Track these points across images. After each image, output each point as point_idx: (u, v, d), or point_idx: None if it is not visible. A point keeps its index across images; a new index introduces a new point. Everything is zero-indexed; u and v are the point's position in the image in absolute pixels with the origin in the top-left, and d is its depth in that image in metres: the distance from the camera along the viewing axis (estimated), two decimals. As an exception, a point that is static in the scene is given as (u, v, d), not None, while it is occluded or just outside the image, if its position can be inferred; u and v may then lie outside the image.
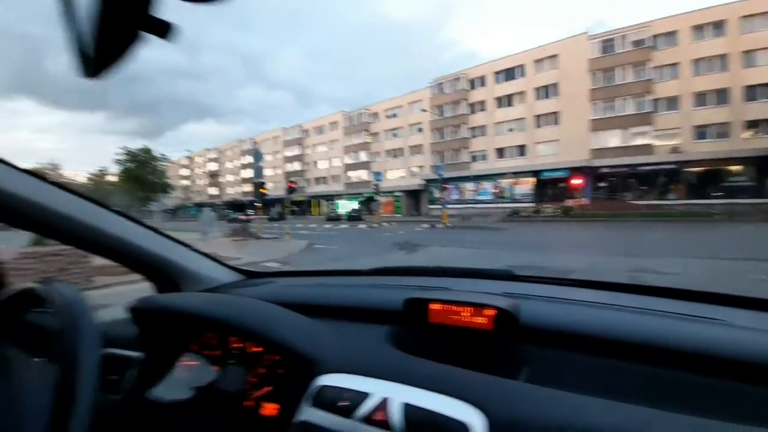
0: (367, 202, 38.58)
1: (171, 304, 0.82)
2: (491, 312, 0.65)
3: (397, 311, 0.74)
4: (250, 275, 1.21)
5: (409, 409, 0.52)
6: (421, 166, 37.45)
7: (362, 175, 41.42)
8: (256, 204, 52.97)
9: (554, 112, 29.97)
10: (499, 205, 30.37)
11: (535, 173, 29.89)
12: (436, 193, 33.98)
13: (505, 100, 32.63)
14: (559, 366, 0.60)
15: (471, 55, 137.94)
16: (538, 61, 30.73)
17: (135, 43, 0.30)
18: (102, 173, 54.83)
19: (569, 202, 26.27)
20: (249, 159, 55.71)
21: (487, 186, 32.76)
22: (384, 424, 0.51)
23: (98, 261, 8.28)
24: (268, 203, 50.75)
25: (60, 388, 0.43)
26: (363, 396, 0.55)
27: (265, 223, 35.71)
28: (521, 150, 31.75)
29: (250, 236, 15.86)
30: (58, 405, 0.41)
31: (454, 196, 34.57)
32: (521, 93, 31.69)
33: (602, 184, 27.50)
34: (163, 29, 0.29)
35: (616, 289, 0.90)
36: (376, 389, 0.55)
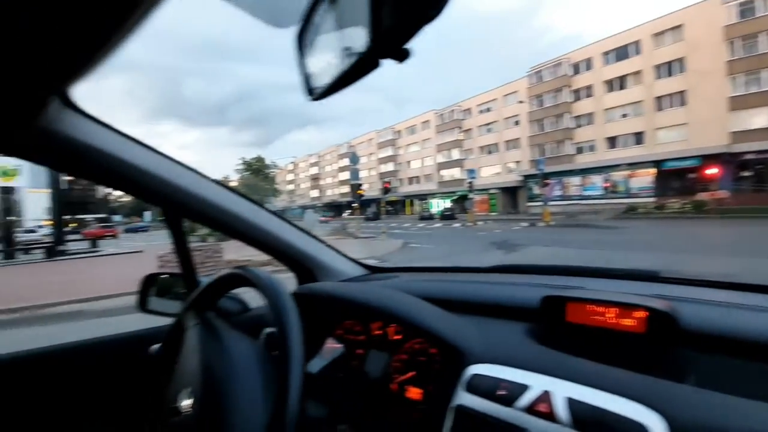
0: (461, 201, 37.70)
1: (330, 290, 0.93)
2: (642, 314, 0.61)
3: (531, 309, 0.73)
4: (374, 270, 1.27)
5: (575, 405, 0.51)
6: (518, 162, 35.40)
7: (455, 173, 40.66)
8: (353, 205, 55.49)
9: (680, 92, 25.83)
10: (611, 200, 27.24)
11: (656, 163, 26.11)
12: (536, 190, 31.82)
13: (617, 83, 29.11)
14: (726, 373, 0.56)
15: (570, 39, 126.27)
16: (658, 34, 26.80)
17: (372, 70, 0.32)
18: (226, 180, 62.76)
19: (702, 196, 22.37)
20: (345, 162, 58.67)
21: (596, 180, 29.59)
22: (549, 416, 0.51)
23: (228, 256, 9.47)
24: (364, 203, 52.77)
25: (279, 357, 0.46)
26: (522, 387, 0.56)
27: (361, 223, 37.40)
28: (638, 138, 28.02)
29: (349, 235, 16.62)
30: (280, 372, 0.44)
31: (557, 192, 31.97)
32: (637, 73, 27.95)
33: (746, 174, 22.87)
34: (403, 55, 0.30)
35: None
36: (534, 382, 0.56)
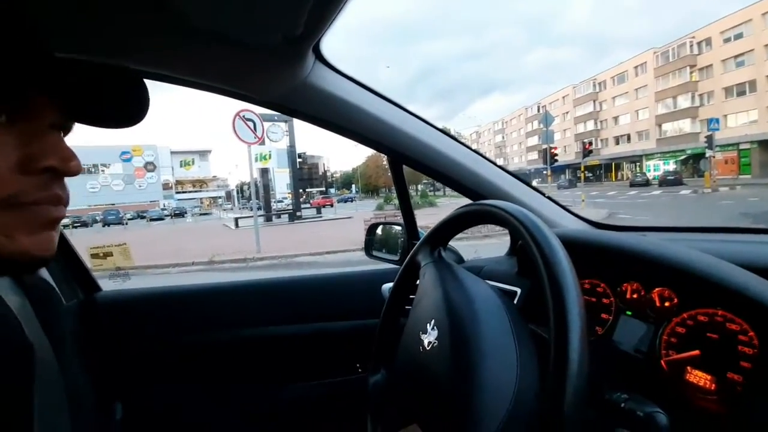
0: (691, 161, 29.66)
1: (592, 238, 0.79)
2: None
3: None
4: (598, 226, 1.11)
5: None
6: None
7: (683, 126, 32.04)
8: (544, 172, 51.39)
9: None
10: None
11: None
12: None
13: None
14: None
15: None
16: None
17: None
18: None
19: None
20: (533, 126, 54.03)
21: None
22: None
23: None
24: (557, 170, 47.84)
25: (552, 310, 0.37)
26: None
27: (554, 192, 34.10)
28: None
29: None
30: (557, 334, 0.35)
31: None
32: None
33: None
34: None
35: None
36: None
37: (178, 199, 51.23)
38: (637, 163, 37.03)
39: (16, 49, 0.30)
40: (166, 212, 37.23)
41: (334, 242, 9.86)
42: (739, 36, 28.55)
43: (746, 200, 13.15)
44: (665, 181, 27.28)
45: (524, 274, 0.84)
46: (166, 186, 53.41)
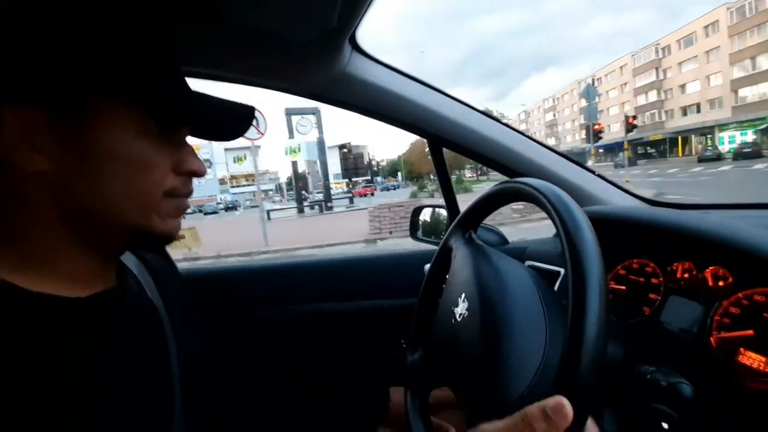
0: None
1: (630, 215, 0.80)
2: None
3: None
4: (653, 204, 1.07)
5: None
6: None
7: (766, 89, 28.06)
8: (591, 150, 48.09)
9: None
10: None
11: None
12: None
13: None
14: None
15: None
16: None
17: None
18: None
19: None
20: (585, 103, 50.27)
21: None
22: None
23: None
24: (611, 148, 44.18)
25: (572, 284, 0.37)
26: None
27: (610, 171, 31.56)
28: None
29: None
30: (575, 302, 0.36)
31: None
32: None
33: None
34: None
35: None
36: None
37: (233, 193, 54.18)
38: (709, 136, 33.06)
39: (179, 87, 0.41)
40: (221, 206, 39.48)
41: (343, 234, 10.11)
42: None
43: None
44: (741, 154, 24.06)
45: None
46: (221, 181, 56.71)
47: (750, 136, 28.22)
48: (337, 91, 0.86)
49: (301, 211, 20.83)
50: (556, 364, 0.36)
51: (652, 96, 39.41)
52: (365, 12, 0.63)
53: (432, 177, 42.48)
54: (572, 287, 0.36)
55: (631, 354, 0.58)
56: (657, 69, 38.68)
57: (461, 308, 0.51)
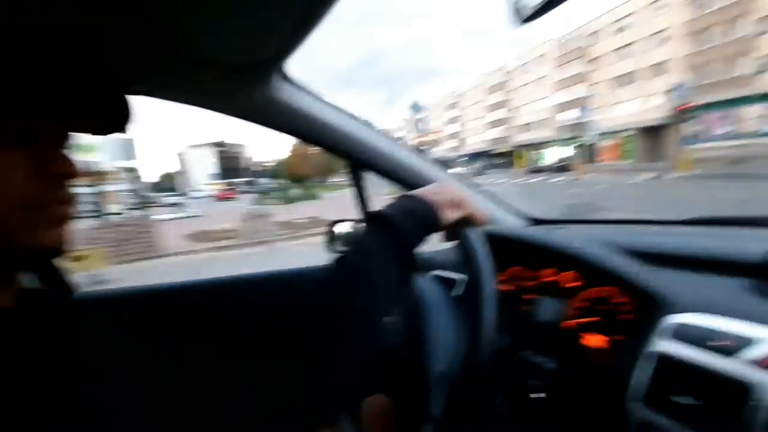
0: (586, 148, 31.00)
1: (512, 234, 0.99)
2: None
3: (753, 264, 0.67)
4: (537, 222, 1.25)
5: None
6: (669, 91, 26.85)
7: (577, 114, 33.45)
8: (459, 160, 51.54)
9: None
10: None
11: None
12: (692, 127, 23.84)
13: None
14: None
15: None
16: None
17: None
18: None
19: None
20: (453, 113, 54.58)
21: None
22: None
23: (280, 218, 9.46)
24: (471, 158, 48.64)
25: (471, 294, 0.52)
26: (745, 340, 0.52)
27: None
28: None
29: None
30: (474, 308, 0.50)
31: (723, 129, 23.41)
32: None
33: None
34: None
35: None
36: (762, 336, 0.52)
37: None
38: (540, 150, 38.32)
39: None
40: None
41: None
42: (620, 30, 30.01)
43: (592, 189, 13.23)
44: (558, 168, 28.27)
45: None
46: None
47: (568, 152, 33.27)
48: (266, 114, 0.92)
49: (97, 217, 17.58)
50: (463, 349, 0.49)
51: (501, 113, 44.34)
52: (301, 44, 0.68)
53: (320, 180, 41.26)
54: (472, 295, 0.50)
55: (516, 342, 0.71)
56: (503, 90, 43.68)
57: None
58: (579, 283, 0.78)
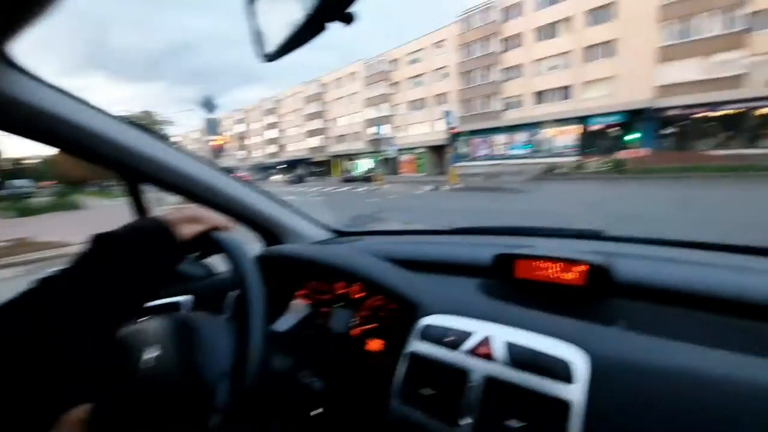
0: (391, 161, 34.74)
1: (294, 252, 0.99)
2: (583, 268, 0.71)
3: (485, 266, 0.82)
4: (341, 234, 1.31)
5: (512, 347, 0.58)
6: (442, 117, 32.58)
7: (383, 130, 37.32)
8: (279, 167, 50.13)
9: (609, 41, 23.67)
10: (537, 160, 25.34)
11: (582, 120, 24.26)
12: (463, 148, 29.52)
13: (547, 31, 26.50)
14: (652, 318, 0.65)
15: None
16: (591, -26, 24.07)
17: (320, 34, 0.34)
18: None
19: (622, 154, 20.85)
20: (271, 119, 53.39)
21: (522, 138, 27.57)
22: (488, 357, 0.58)
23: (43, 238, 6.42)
24: (291, 165, 48.56)
25: (239, 325, 0.52)
26: (466, 334, 0.62)
27: (283, 187, 33.75)
28: (565, 93, 25.94)
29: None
30: (241, 328, 0.50)
31: (484, 151, 29.83)
32: (567, 19, 25.41)
33: (669, 131, 21.55)
34: (348, 18, 0.32)
35: (706, 248, 0.91)
36: (478, 329, 0.63)
37: None
38: (353, 161, 41.15)
39: None
40: None
41: None
42: (415, 61, 35.07)
43: (386, 198, 14.78)
44: (366, 178, 30.81)
45: (267, 283, 0.92)
46: None
47: (374, 164, 36.70)
48: None
49: None
50: (231, 371, 0.47)
51: (318, 123, 45.73)
52: (27, 24, 0.52)
53: (104, 185, 33.12)
54: (239, 313, 0.50)
55: (298, 363, 0.69)
56: (320, 101, 45.25)
57: (151, 357, 0.53)
58: (364, 294, 0.84)
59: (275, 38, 0.38)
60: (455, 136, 27.47)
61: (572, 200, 10.99)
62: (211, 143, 11.18)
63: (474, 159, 30.07)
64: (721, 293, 0.63)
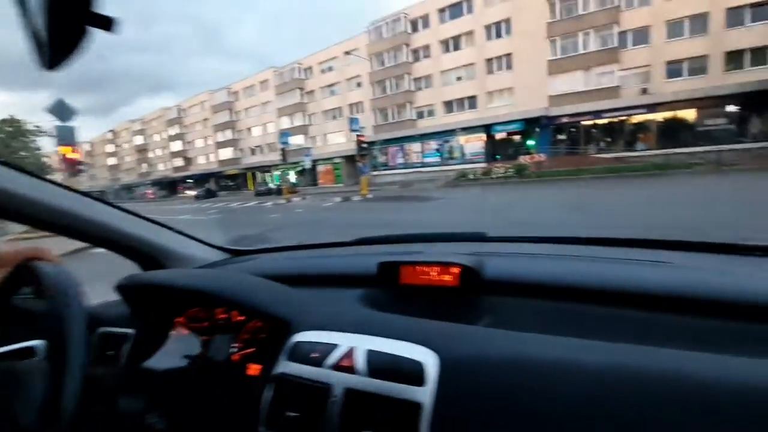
0: (309, 171, 33.47)
1: (157, 280, 0.91)
2: (456, 270, 0.75)
3: (372, 275, 0.83)
4: (236, 253, 1.26)
5: (372, 355, 0.58)
6: (362, 127, 32.32)
7: (300, 141, 36.00)
8: (187, 180, 45.71)
9: (507, 54, 25.26)
10: (449, 167, 26.01)
11: (486, 128, 25.46)
12: (381, 157, 29.44)
13: (452, 43, 27.59)
14: (519, 312, 0.69)
15: None
16: (487, -9, 25.58)
17: (84, 38, 0.34)
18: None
19: (523, 160, 22.16)
20: (176, 130, 49.07)
21: (434, 146, 28.23)
22: (350, 369, 0.58)
23: None
24: (201, 179, 44.90)
25: (51, 367, 0.50)
26: (332, 347, 0.61)
27: (192, 203, 30.71)
28: (472, 102, 27.13)
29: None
30: (51, 381, 0.48)
31: (400, 160, 30.02)
32: (469, 33, 26.68)
33: (562, 137, 23.45)
34: (106, 23, 0.32)
35: (573, 242, 0.98)
36: (344, 341, 0.62)
37: None
38: (269, 173, 39.12)
39: None
40: None
41: None
42: (329, 69, 34.50)
43: (292, 212, 13.85)
44: (275, 191, 29.58)
45: (138, 315, 0.90)
46: None
47: (294, 176, 35.18)
48: None
49: None
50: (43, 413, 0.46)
51: (229, 134, 42.89)
52: None
53: None
54: (53, 363, 0.48)
55: (151, 402, 0.67)
56: (230, 110, 42.53)
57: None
58: (244, 318, 0.79)
59: (51, 44, 0.36)
60: (371, 145, 27.24)
61: (477, 205, 11.05)
62: (65, 156, 8.88)
63: (392, 168, 30.13)
64: (578, 283, 0.68)
